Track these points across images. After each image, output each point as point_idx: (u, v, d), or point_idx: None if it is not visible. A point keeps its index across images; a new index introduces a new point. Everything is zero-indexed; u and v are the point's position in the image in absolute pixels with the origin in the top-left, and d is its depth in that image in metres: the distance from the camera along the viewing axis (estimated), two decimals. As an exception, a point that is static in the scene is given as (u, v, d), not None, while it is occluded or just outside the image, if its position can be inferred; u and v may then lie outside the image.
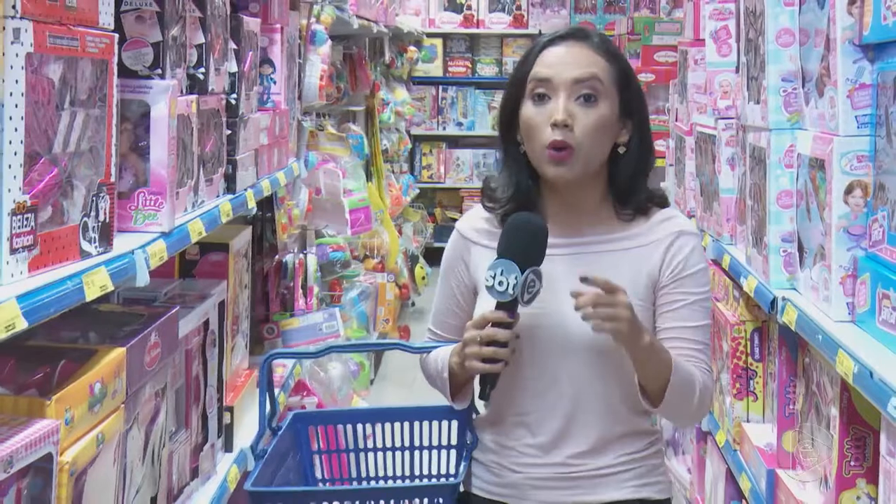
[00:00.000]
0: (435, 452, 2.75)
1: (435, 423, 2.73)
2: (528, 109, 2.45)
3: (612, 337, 2.32)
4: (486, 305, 2.44)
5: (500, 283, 2.31)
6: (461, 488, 2.56)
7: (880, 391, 2.12)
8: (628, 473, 2.50)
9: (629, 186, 2.52)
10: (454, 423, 2.73)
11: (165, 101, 2.64)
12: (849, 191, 2.59)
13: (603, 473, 2.49)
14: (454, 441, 2.73)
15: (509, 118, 2.51)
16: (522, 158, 2.51)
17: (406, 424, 2.79)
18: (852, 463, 2.68)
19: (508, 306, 2.36)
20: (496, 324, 2.36)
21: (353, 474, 2.80)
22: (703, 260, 2.53)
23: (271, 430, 2.67)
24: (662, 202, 2.57)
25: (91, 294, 2.12)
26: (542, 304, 2.40)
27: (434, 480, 2.74)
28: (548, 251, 2.41)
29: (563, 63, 2.45)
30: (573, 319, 2.38)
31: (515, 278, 2.31)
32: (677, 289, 2.48)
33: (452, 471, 2.73)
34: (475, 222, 2.60)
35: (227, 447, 3.42)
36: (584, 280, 2.30)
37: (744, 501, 3.43)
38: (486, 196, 2.58)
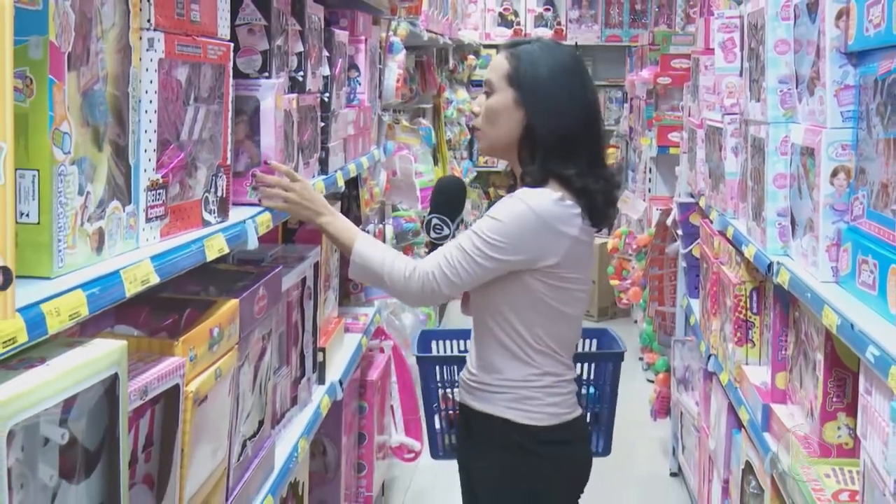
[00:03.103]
0: None
1: None
2: None
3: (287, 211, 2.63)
4: None
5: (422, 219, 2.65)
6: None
7: (859, 340, 2.09)
8: (502, 395, 2.63)
9: (525, 161, 2.60)
10: None
11: (272, 96, 2.63)
12: (834, 174, 2.55)
13: (483, 388, 2.67)
14: None
15: None
16: None
17: None
18: (834, 399, 2.65)
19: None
20: None
21: None
22: (503, 213, 2.52)
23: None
24: (567, 182, 2.56)
25: (211, 255, 2.12)
26: None
27: None
28: None
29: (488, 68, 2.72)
30: None
31: (423, 218, 2.52)
32: (476, 221, 2.59)
33: None
34: None
35: (320, 380, 3.43)
36: (266, 164, 2.54)
37: (743, 429, 3.40)
38: None
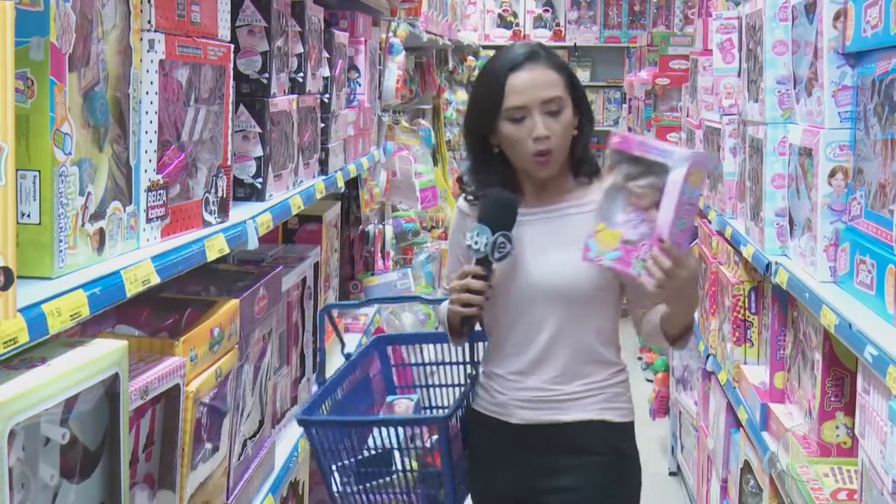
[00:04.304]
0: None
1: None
2: (507, 128, 2.44)
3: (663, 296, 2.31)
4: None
5: (476, 243, 2.36)
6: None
7: (857, 340, 2.09)
8: (592, 398, 2.49)
9: (581, 158, 2.52)
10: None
11: (685, 168, 2.18)
12: (832, 174, 2.55)
13: (571, 398, 2.49)
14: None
15: (484, 133, 2.49)
16: (497, 157, 2.51)
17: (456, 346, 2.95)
18: (832, 399, 2.65)
19: (483, 262, 2.38)
20: (473, 276, 2.38)
21: (418, 382, 2.99)
22: None
23: (345, 357, 2.84)
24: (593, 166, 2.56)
25: (211, 256, 2.12)
26: (524, 259, 2.47)
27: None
28: (527, 218, 2.48)
29: (530, 88, 2.42)
30: (549, 270, 2.46)
31: (486, 239, 2.35)
32: None
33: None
34: (470, 200, 2.60)
35: (321, 381, 3.43)
36: (661, 241, 2.23)
37: (741, 429, 3.40)
38: (468, 191, 2.59)
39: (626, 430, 2.55)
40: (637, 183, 2.27)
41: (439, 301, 2.69)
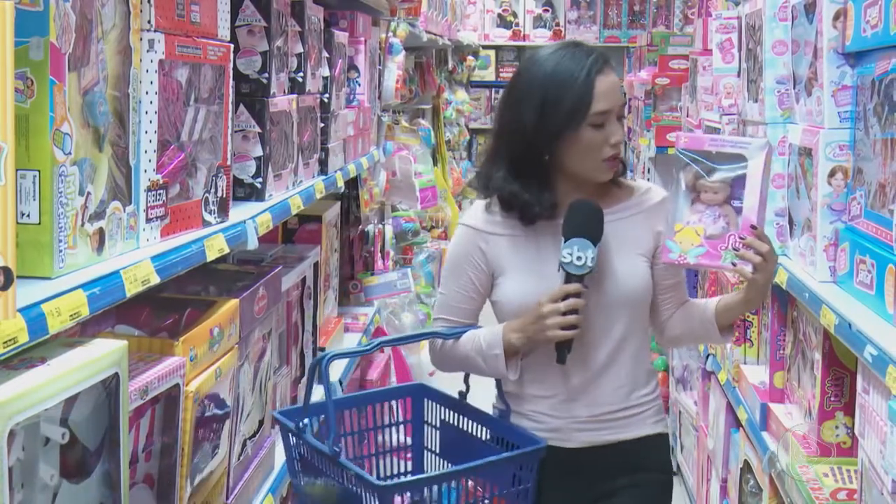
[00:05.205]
0: (393, 428, 2.62)
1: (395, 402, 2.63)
2: (588, 134, 2.31)
3: (753, 282, 2.27)
4: (513, 285, 2.37)
5: (579, 259, 2.24)
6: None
7: (857, 340, 2.09)
8: (647, 412, 2.45)
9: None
10: (408, 400, 2.62)
11: (762, 156, 2.25)
12: (832, 174, 2.55)
13: (629, 415, 2.42)
14: (409, 417, 2.61)
15: (552, 142, 2.34)
16: (545, 169, 2.38)
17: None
18: (832, 398, 2.66)
19: (581, 278, 2.27)
20: (573, 294, 2.27)
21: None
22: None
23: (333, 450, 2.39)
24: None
25: (211, 255, 2.12)
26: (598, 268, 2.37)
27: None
28: None
29: (611, 93, 2.33)
30: (619, 276, 2.38)
31: (592, 252, 2.25)
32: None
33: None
34: (486, 217, 2.45)
35: (320, 381, 3.42)
36: (753, 228, 2.22)
37: (741, 429, 3.40)
38: (510, 202, 2.40)
39: (668, 441, 2.55)
40: (709, 179, 2.29)
41: (458, 333, 2.46)
